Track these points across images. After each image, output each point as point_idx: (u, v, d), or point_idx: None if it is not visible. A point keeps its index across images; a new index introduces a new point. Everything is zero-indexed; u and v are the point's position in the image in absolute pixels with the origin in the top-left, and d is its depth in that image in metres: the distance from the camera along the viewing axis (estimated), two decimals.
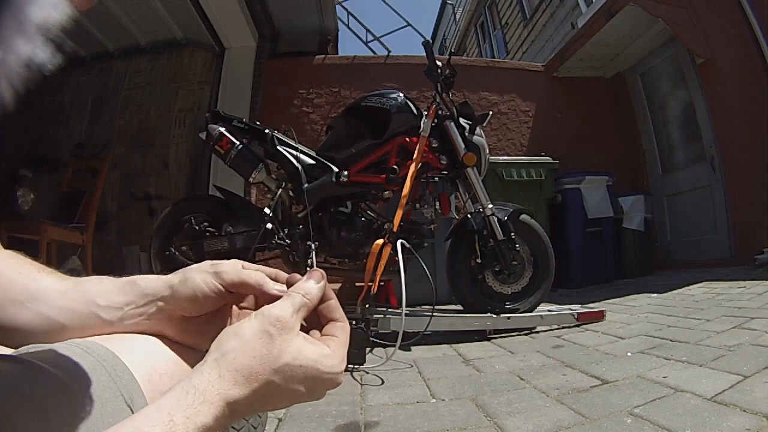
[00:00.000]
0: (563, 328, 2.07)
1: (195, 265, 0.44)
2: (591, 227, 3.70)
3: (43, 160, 3.74)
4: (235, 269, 0.42)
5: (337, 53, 4.91)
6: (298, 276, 0.44)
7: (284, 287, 0.41)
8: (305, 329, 0.39)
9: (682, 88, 4.05)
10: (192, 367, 0.40)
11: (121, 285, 0.44)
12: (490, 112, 2.36)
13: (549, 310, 2.19)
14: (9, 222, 2.76)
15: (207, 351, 0.34)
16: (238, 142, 2.10)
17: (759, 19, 3.47)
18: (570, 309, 2.20)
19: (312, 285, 0.39)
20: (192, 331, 0.44)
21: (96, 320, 0.42)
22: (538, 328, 2.08)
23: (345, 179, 2.10)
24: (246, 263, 0.46)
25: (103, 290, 0.43)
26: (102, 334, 0.42)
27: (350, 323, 0.46)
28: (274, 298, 0.39)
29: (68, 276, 0.46)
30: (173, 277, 0.43)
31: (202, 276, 0.42)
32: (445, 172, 2.20)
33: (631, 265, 3.83)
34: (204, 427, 0.29)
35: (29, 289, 0.42)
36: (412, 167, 1.99)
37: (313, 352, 0.35)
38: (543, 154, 3.89)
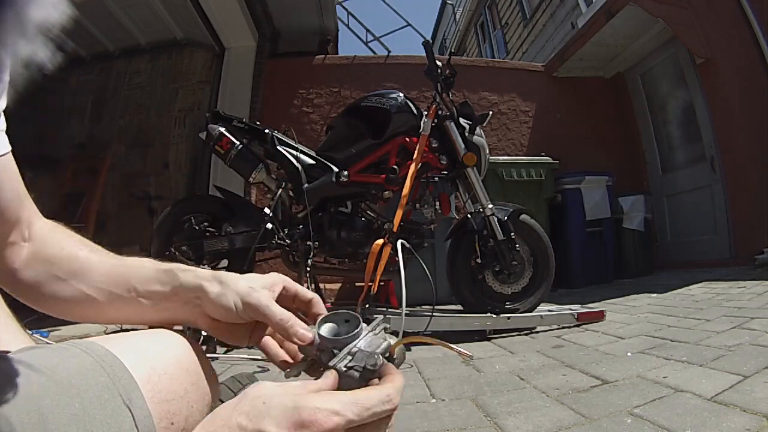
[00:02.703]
0: (563, 328, 2.07)
1: (239, 282, 0.43)
2: (591, 227, 3.70)
3: (43, 160, 3.73)
4: (263, 303, 0.42)
5: (337, 53, 4.91)
6: (321, 307, 0.45)
7: (308, 334, 0.40)
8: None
9: (682, 88, 4.05)
10: (205, 364, 0.42)
11: (160, 273, 0.45)
12: (490, 112, 2.36)
13: (549, 310, 2.19)
14: None
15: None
16: (238, 142, 2.10)
17: (759, 19, 3.47)
18: (570, 309, 2.20)
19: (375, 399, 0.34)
20: (223, 328, 0.45)
21: (132, 303, 0.44)
22: (538, 328, 2.08)
23: (345, 179, 2.10)
24: (288, 284, 0.46)
25: (143, 277, 0.45)
26: (139, 315, 0.45)
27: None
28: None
29: (110, 253, 0.49)
30: (211, 285, 0.43)
31: (234, 298, 0.42)
32: (445, 172, 2.20)
33: (631, 265, 3.83)
34: None
35: (71, 268, 0.45)
36: (412, 167, 1.99)
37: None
38: (543, 154, 3.89)
